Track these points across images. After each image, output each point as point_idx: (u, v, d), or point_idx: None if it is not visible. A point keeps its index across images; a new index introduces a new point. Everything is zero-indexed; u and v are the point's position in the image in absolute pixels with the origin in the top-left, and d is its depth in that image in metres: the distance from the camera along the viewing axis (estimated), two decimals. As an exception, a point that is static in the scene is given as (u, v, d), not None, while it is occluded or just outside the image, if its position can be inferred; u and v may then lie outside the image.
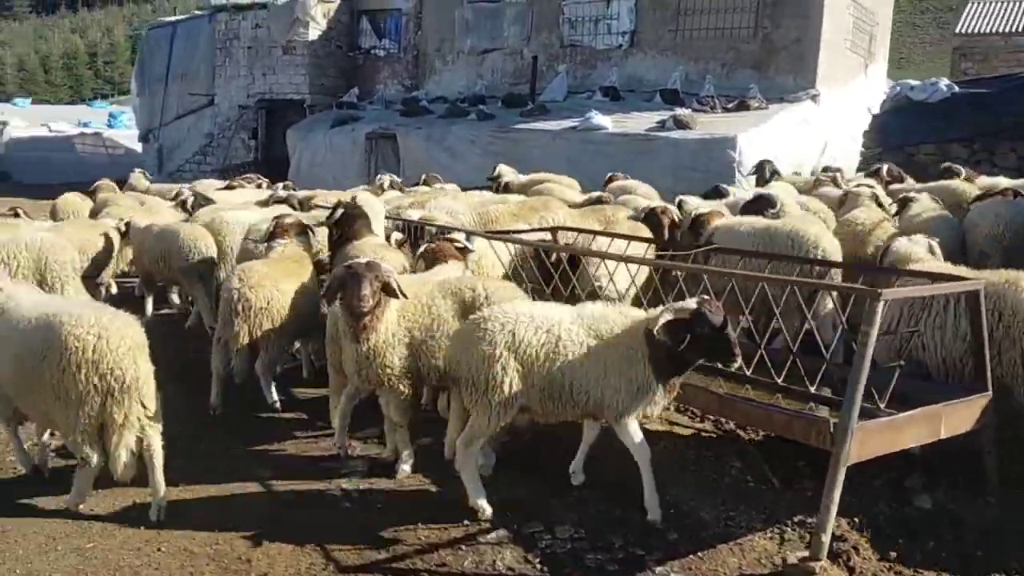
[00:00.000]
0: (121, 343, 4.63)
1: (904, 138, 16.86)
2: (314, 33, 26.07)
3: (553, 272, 6.54)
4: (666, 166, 18.06)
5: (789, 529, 4.56)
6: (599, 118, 19.90)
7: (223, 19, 27.21)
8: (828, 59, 21.51)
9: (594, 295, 6.27)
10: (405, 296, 5.03)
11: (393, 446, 5.60)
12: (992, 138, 15.96)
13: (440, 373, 5.26)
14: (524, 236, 6.97)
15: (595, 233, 7.12)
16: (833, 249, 6.59)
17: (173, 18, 29.40)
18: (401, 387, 5.22)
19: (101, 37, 76.15)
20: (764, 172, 13.04)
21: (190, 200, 11.03)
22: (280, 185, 13.18)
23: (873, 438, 4.07)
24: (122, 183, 21.87)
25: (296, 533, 4.72)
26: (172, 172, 27.62)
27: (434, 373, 5.27)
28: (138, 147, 31.64)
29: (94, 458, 4.73)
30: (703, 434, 5.79)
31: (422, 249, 6.44)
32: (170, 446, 5.89)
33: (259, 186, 14.47)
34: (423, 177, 14.74)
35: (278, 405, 6.67)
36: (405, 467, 5.39)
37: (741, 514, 4.70)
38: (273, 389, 6.70)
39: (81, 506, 4.96)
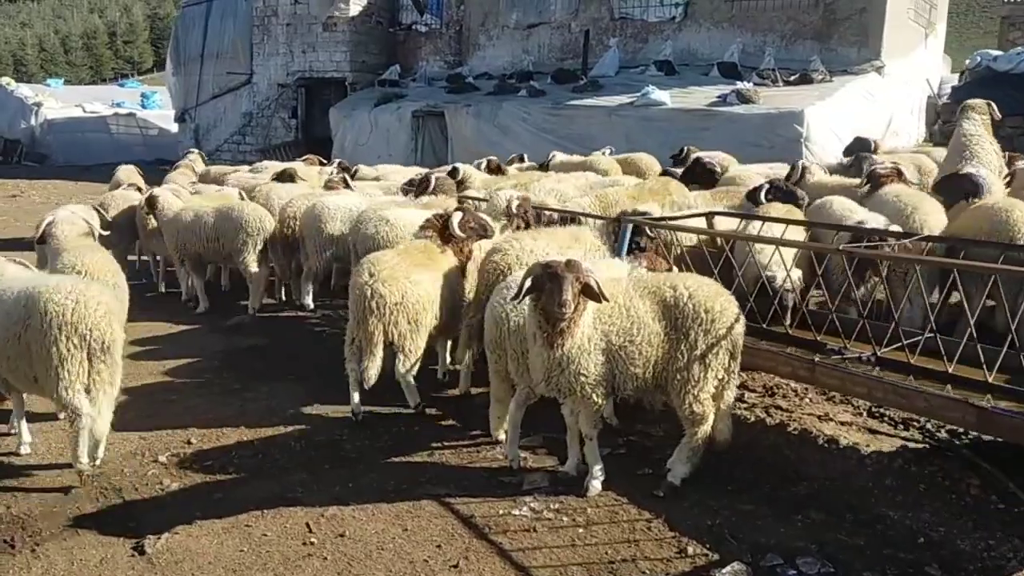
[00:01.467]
0: (98, 307, 4.98)
1: (988, 111, 16.12)
2: (355, 9, 25.45)
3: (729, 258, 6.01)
4: (730, 142, 17.32)
5: (1069, 561, 4.03)
6: (657, 93, 19.28)
7: (261, -4, 26.59)
8: (891, 30, 20.77)
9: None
10: (607, 299, 4.51)
11: (576, 460, 5.10)
12: (1085, 110, 15.26)
13: (637, 382, 4.75)
14: (686, 223, 6.41)
15: (753, 218, 6.57)
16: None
17: (208, -5, 28.75)
18: (595, 397, 4.71)
19: (120, 16, 75.33)
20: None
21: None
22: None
23: None
24: (162, 163, 21.52)
25: (501, 563, 4.25)
26: (211, 152, 27.09)
27: (630, 382, 4.75)
28: (172, 127, 31.22)
29: (85, 406, 4.96)
30: (911, 444, 5.25)
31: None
32: (325, 453, 5.50)
33: (347, 169, 13.99)
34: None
35: (422, 408, 6.19)
36: (596, 483, 4.89)
37: (1001, 543, 4.17)
38: (416, 391, 6.21)
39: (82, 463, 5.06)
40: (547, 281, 4.39)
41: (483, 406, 6.19)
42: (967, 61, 17.57)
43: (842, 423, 5.57)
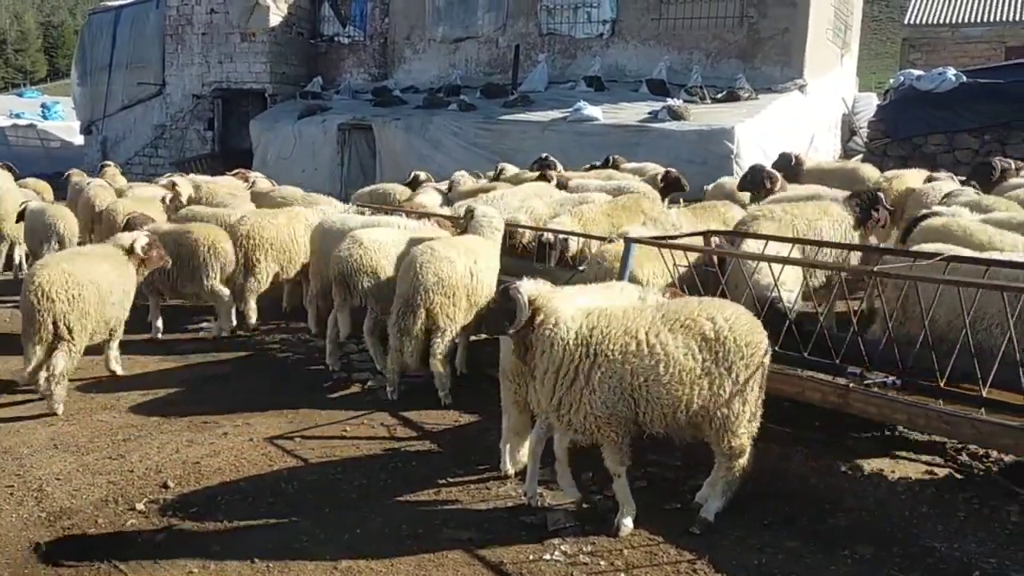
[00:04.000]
0: None
1: (912, 129, 16.72)
2: (275, 19, 24.69)
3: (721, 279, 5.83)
4: (663, 158, 17.50)
5: None
6: (589, 109, 19.31)
7: (174, 4, 25.53)
8: (812, 49, 21.40)
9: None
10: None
11: (574, 494, 4.82)
12: (1003, 128, 15.91)
13: (667, 420, 4.48)
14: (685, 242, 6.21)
15: (751, 236, 6.42)
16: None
17: (117, 2, 27.48)
18: (611, 435, 4.44)
19: (10, 24, 71.65)
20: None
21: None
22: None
23: None
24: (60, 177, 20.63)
25: (542, 615, 3.92)
26: (120, 165, 25.82)
27: (659, 421, 4.48)
28: (75, 139, 29.69)
29: None
30: (937, 468, 5.15)
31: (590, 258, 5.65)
32: (322, 495, 5.02)
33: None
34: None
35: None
36: (627, 522, 4.61)
37: (1060, 574, 4.08)
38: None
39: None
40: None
41: (479, 435, 5.92)
42: (891, 80, 18.12)
43: (859, 449, 5.45)
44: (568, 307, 4.48)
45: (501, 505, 4.99)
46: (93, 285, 6.56)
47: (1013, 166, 12.07)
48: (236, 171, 15.69)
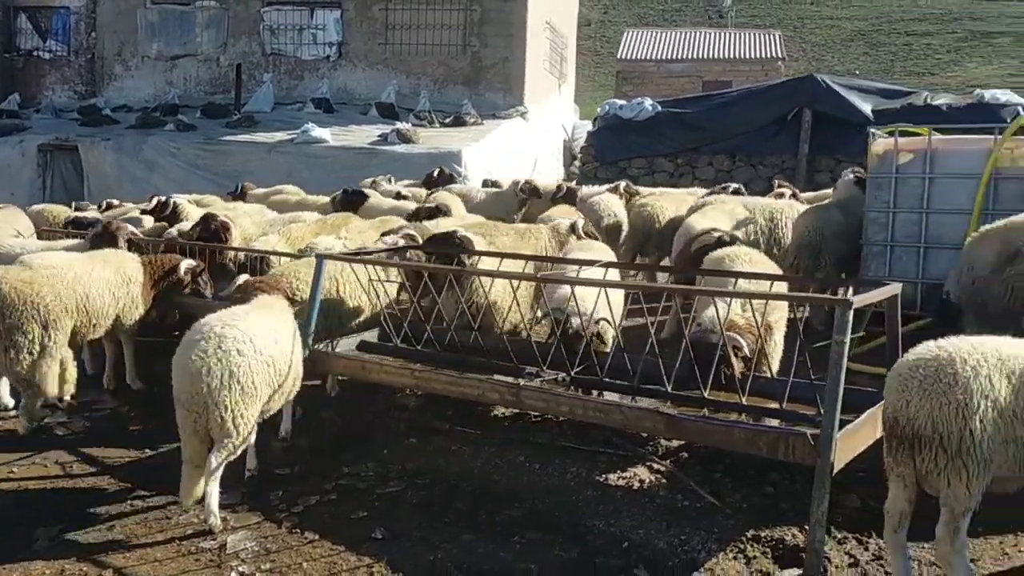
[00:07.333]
0: None
1: (617, 153, 18.19)
2: (-39, 29, 22.32)
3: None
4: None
5: (748, 546, 4.48)
6: (317, 131, 19.25)
7: None
8: (531, 79, 22.70)
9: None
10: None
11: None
12: (693, 153, 17.74)
13: None
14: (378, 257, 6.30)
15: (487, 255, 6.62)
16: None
17: None
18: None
19: None
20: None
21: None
22: None
23: (847, 444, 4.14)
24: None
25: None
26: None
27: None
28: None
29: None
30: (600, 456, 5.57)
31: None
32: None
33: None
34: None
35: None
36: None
37: (691, 536, 4.55)
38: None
39: None
40: None
41: (165, 466, 5.63)
42: (599, 109, 19.57)
43: (540, 444, 5.80)
44: None
45: (180, 534, 4.77)
46: None
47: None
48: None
